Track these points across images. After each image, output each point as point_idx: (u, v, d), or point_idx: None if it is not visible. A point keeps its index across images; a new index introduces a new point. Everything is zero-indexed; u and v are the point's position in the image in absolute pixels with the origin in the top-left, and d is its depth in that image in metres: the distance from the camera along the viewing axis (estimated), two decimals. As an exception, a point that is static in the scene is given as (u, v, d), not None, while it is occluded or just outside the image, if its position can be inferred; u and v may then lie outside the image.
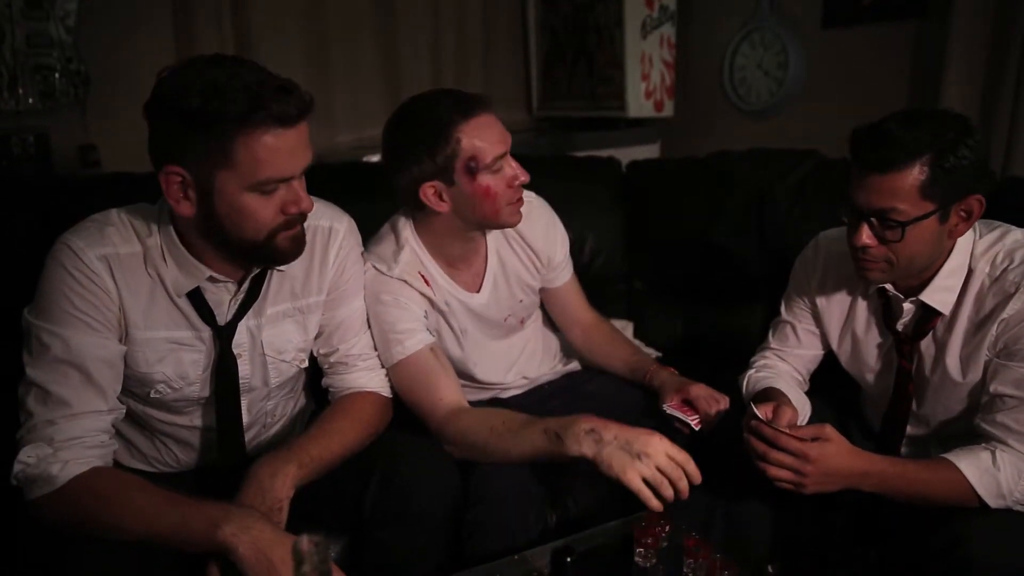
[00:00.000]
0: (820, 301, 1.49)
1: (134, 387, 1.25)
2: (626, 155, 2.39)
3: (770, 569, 1.03)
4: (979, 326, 1.28)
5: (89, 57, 2.29)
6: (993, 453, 1.23)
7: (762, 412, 1.27)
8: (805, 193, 1.99)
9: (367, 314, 1.44)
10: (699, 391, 1.52)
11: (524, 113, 3.31)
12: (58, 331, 1.14)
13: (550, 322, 1.78)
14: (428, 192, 1.40)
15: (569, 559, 1.08)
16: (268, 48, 2.57)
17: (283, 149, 1.10)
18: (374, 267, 1.45)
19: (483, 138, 1.37)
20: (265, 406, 1.39)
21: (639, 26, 2.85)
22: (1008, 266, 1.26)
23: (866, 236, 1.24)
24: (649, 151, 3.02)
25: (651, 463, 1.18)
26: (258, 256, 1.21)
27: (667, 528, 1.18)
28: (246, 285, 1.27)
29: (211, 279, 1.23)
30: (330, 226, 1.36)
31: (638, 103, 2.92)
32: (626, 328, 2.01)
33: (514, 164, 1.42)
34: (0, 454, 1.14)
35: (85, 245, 1.16)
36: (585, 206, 2.08)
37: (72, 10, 2.22)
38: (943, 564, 1.16)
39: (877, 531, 1.40)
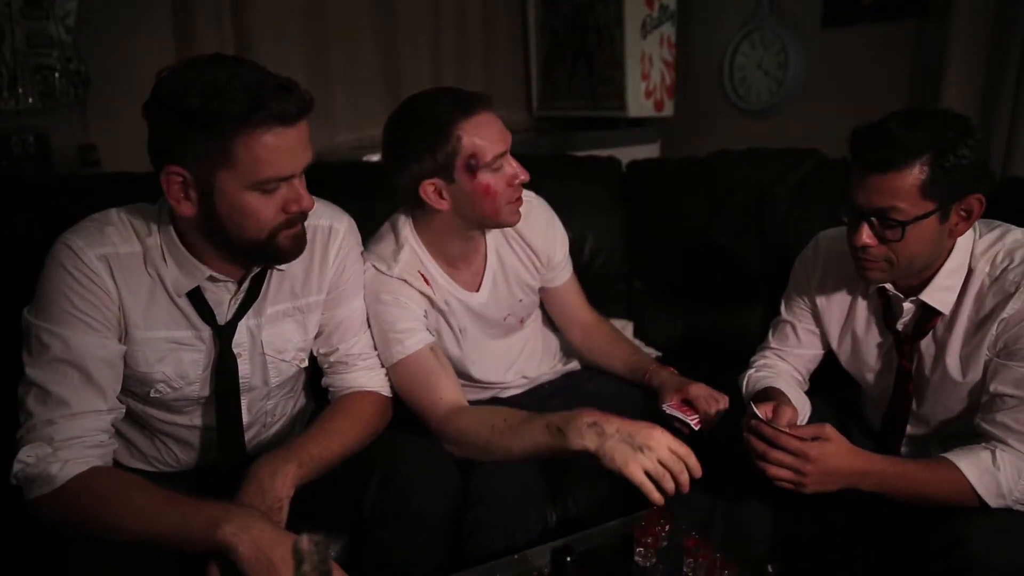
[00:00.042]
0: (820, 301, 1.49)
1: (134, 387, 1.25)
2: (626, 155, 2.39)
3: (770, 569, 1.03)
4: (979, 326, 1.28)
5: (89, 57, 2.29)
6: (993, 453, 1.23)
7: (762, 411, 1.27)
8: (805, 193, 1.99)
9: (367, 313, 1.44)
10: (698, 391, 1.52)
11: (524, 113, 3.31)
12: (58, 331, 1.14)
13: (550, 322, 1.78)
14: (428, 190, 1.40)
15: (569, 559, 1.08)
16: (268, 48, 2.57)
17: (283, 148, 1.10)
18: (374, 266, 1.45)
19: (484, 136, 1.37)
20: (265, 405, 1.39)
21: (639, 26, 2.85)
22: (1008, 265, 1.26)
23: (866, 236, 1.24)
24: (649, 151, 3.02)
25: (653, 456, 1.19)
26: (259, 255, 1.21)
27: (667, 528, 1.18)
28: (246, 284, 1.27)
29: (211, 279, 1.23)
30: (330, 225, 1.36)
31: (638, 103, 2.92)
32: (626, 328, 2.01)
33: (514, 163, 1.42)
34: (0, 454, 1.14)
35: (85, 245, 1.16)
36: (585, 206, 2.08)
37: (72, 10, 2.22)
38: (943, 564, 1.16)
39: (877, 531, 1.40)
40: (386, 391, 1.43)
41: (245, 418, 1.34)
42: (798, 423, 1.33)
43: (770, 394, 1.41)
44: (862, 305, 1.44)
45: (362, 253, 1.45)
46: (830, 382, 1.56)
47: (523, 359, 1.70)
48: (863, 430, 1.53)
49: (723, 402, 1.51)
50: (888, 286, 1.35)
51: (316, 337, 1.40)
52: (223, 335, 1.27)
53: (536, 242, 1.61)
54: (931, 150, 1.17)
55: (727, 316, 2.06)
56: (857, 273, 1.32)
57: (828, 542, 1.42)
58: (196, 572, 1.13)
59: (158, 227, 1.21)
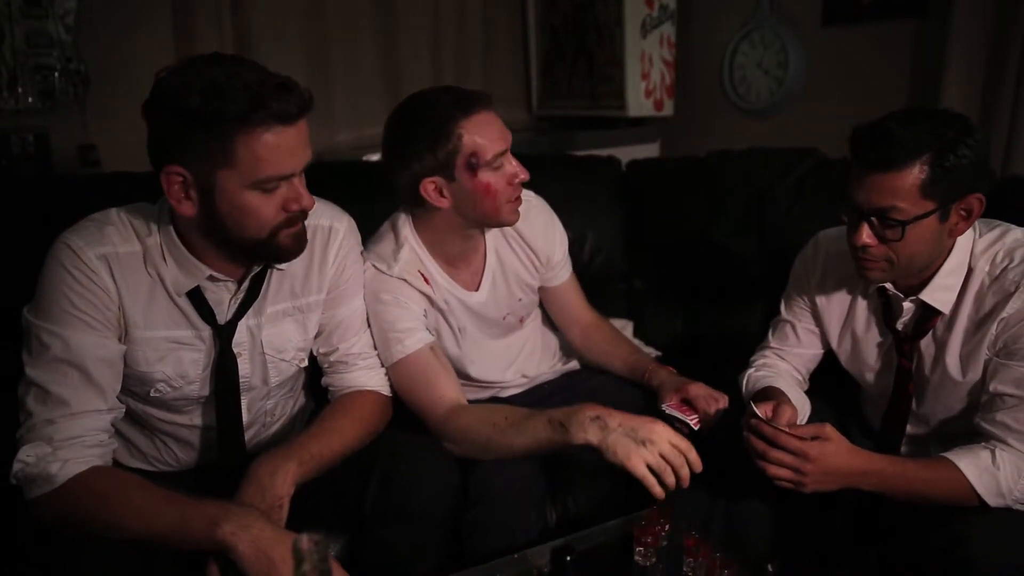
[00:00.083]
0: (820, 300, 1.49)
1: (134, 386, 1.25)
2: (626, 154, 2.39)
3: (770, 568, 1.03)
4: (979, 325, 1.28)
5: (89, 57, 2.28)
6: (993, 452, 1.23)
7: (762, 411, 1.27)
8: (805, 192, 1.98)
9: (367, 313, 1.44)
10: (698, 390, 1.52)
11: (524, 112, 3.31)
12: (58, 330, 1.14)
13: (549, 321, 1.78)
14: (429, 188, 1.40)
15: (569, 558, 1.08)
16: (268, 48, 2.56)
17: (283, 147, 1.10)
18: (374, 266, 1.45)
19: (484, 135, 1.37)
20: (265, 405, 1.39)
21: (639, 25, 2.85)
22: (1008, 265, 1.26)
23: (866, 235, 1.24)
24: (649, 150, 3.02)
25: (655, 450, 1.19)
26: (260, 254, 1.21)
27: (667, 527, 1.18)
28: (246, 284, 1.27)
29: (211, 278, 1.23)
30: (330, 225, 1.36)
31: (638, 102, 2.91)
32: (626, 327, 2.01)
33: (514, 162, 1.43)
34: (0, 453, 1.14)
35: (84, 244, 1.16)
36: (585, 205, 2.08)
37: (72, 9, 2.22)
38: (943, 563, 1.16)
39: (877, 530, 1.40)
40: (386, 390, 1.43)
41: (245, 417, 1.35)
42: (798, 422, 1.33)
43: (770, 393, 1.41)
44: (862, 305, 1.44)
45: (362, 253, 1.45)
46: (830, 382, 1.56)
47: (522, 358, 1.70)
48: (863, 430, 1.53)
49: (722, 401, 1.51)
50: (888, 285, 1.35)
51: (316, 337, 1.40)
52: (223, 335, 1.27)
53: (535, 241, 1.61)
54: (931, 149, 1.17)
55: (727, 316, 2.06)
56: (857, 273, 1.32)
57: (828, 541, 1.42)
58: (196, 571, 1.13)
59: (158, 227, 1.21)
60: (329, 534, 1.16)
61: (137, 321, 1.20)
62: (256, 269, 1.27)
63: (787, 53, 2.65)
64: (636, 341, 1.88)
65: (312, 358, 1.43)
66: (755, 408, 1.27)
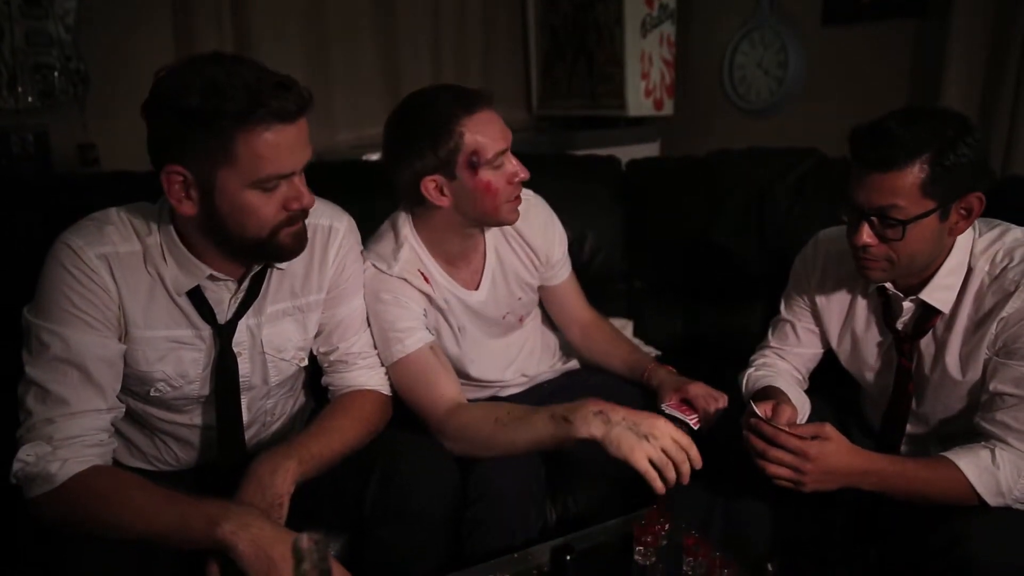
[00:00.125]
0: (820, 300, 1.49)
1: (134, 385, 1.25)
2: (626, 154, 2.39)
3: (769, 567, 1.03)
4: (979, 324, 1.28)
5: (89, 56, 2.28)
6: (992, 451, 1.23)
7: (762, 410, 1.27)
8: (805, 192, 1.98)
9: (367, 312, 1.44)
10: (697, 390, 1.52)
11: (524, 112, 3.31)
12: (57, 330, 1.14)
13: (549, 320, 1.78)
14: (429, 186, 1.40)
15: (569, 557, 1.08)
16: (268, 48, 2.56)
17: (283, 145, 1.11)
18: (374, 265, 1.45)
19: (485, 133, 1.38)
20: (265, 404, 1.39)
21: (639, 25, 2.85)
22: (1008, 264, 1.26)
23: (867, 235, 1.24)
24: (649, 150, 3.02)
25: (657, 445, 1.20)
26: (261, 253, 1.21)
27: (667, 526, 1.19)
28: (246, 283, 1.27)
29: (211, 277, 1.23)
30: (330, 225, 1.36)
31: (638, 102, 2.91)
32: (626, 327, 2.01)
33: (515, 161, 1.43)
34: (0, 453, 1.14)
35: (84, 244, 1.16)
36: (585, 205, 2.08)
37: (71, 9, 2.22)
38: (943, 562, 1.16)
39: (877, 530, 1.40)
40: (386, 390, 1.43)
41: (245, 417, 1.35)
42: (798, 422, 1.33)
43: (770, 393, 1.41)
44: (862, 304, 1.44)
45: (362, 252, 1.45)
46: (830, 381, 1.56)
47: (522, 358, 1.70)
48: (863, 429, 1.53)
49: (722, 401, 1.51)
50: (888, 285, 1.35)
51: (316, 336, 1.40)
52: (223, 334, 1.27)
53: (535, 240, 1.61)
54: (931, 149, 1.17)
55: (727, 315, 2.06)
56: (857, 272, 1.32)
57: (828, 541, 1.42)
58: (196, 571, 1.13)
59: (158, 226, 1.21)
60: (329, 533, 1.16)
61: (137, 320, 1.20)
62: (256, 268, 1.27)
63: (787, 53, 2.65)
64: (636, 341, 1.88)
65: (312, 357, 1.43)
66: (755, 407, 1.27)
